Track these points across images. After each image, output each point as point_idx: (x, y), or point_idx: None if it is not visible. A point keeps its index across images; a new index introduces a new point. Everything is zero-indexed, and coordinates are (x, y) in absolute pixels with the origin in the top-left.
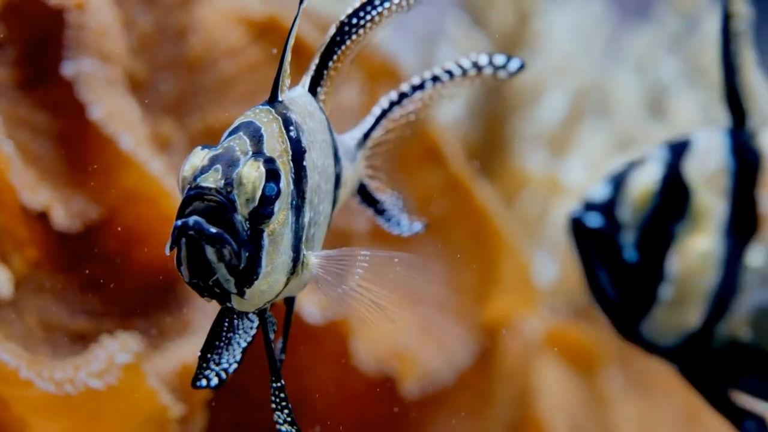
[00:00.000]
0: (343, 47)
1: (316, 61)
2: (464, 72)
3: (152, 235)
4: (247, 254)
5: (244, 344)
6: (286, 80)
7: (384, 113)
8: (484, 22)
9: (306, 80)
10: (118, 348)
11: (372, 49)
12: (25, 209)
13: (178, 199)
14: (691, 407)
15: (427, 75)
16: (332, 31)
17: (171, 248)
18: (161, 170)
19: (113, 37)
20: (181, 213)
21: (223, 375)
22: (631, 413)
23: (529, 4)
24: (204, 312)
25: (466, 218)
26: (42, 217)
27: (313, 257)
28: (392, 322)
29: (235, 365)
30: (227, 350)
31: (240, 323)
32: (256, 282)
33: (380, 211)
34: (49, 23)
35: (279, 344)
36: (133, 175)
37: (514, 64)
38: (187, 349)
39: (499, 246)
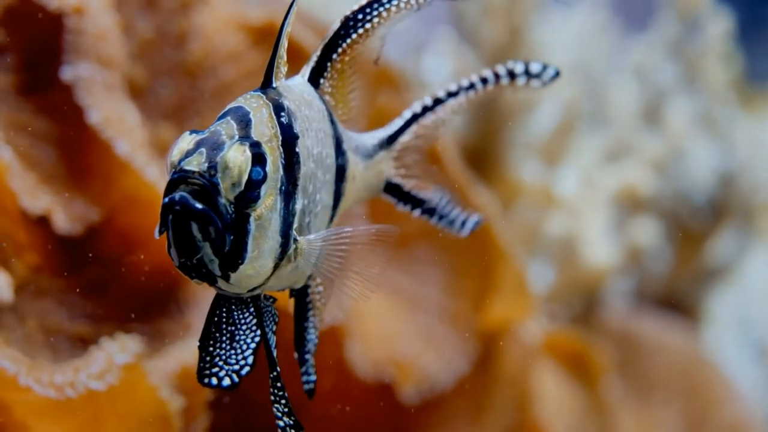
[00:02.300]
0: (348, 41)
1: (318, 52)
2: (498, 80)
3: (151, 239)
4: (231, 238)
5: (253, 344)
6: (281, 68)
7: (415, 117)
8: (475, 37)
9: (306, 70)
10: (117, 349)
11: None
12: (25, 214)
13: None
14: (690, 414)
15: (465, 83)
16: (337, 25)
17: (160, 231)
18: (158, 176)
19: (112, 42)
20: (164, 195)
21: (236, 378)
22: (631, 420)
23: (520, 16)
24: (204, 314)
25: None
26: (42, 222)
27: (304, 242)
28: (372, 298)
29: (248, 368)
30: (232, 346)
31: (242, 317)
32: (241, 266)
33: (430, 211)
34: (48, 28)
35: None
36: (131, 179)
37: (549, 73)
38: (187, 352)
39: (496, 252)
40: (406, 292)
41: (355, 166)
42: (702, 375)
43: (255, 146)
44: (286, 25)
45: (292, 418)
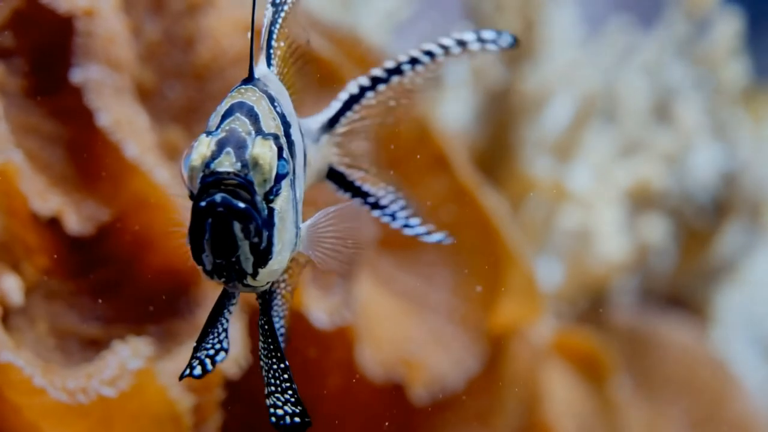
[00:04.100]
0: (278, 25)
1: (264, 42)
2: (447, 51)
3: (161, 240)
4: (267, 234)
5: (226, 324)
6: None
7: (354, 98)
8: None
9: (262, 58)
10: (129, 354)
11: (354, 39)
12: (35, 216)
13: (184, 193)
14: (697, 412)
15: (404, 58)
16: (270, 11)
17: (192, 236)
18: (166, 178)
19: (121, 45)
20: (200, 199)
21: (208, 364)
22: (639, 418)
23: (535, 11)
24: None
25: (472, 226)
26: (52, 224)
27: (304, 229)
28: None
29: (223, 354)
30: (210, 333)
31: (227, 302)
32: (270, 261)
33: (377, 206)
34: (57, 31)
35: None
36: (140, 182)
37: (505, 39)
38: None
39: (505, 253)
40: (415, 293)
41: (310, 150)
42: (709, 373)
43: (276, 139)
44: (254, 14)
45: (299, 407)
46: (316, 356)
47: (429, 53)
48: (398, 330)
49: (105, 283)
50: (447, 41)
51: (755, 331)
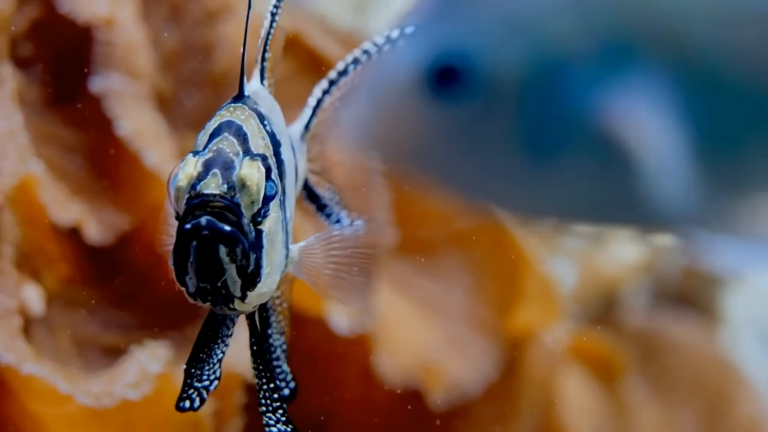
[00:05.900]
0: (270, 36)
1: (260, 55)
2: (380, 49)
3: None
4: (254, 257)
5: (221, 355)
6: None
7: (318, 103)
8: None
9: (256, 73)
10: (149, 358)
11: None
12: (55, 226)
13: (172, 213)
14: (708, 413)
15: (350, 58)
16: (268, 20)
17: (176, 258)
18: None
19: (141, 54)
20: (185, 221)
21: (204, 394)
22: (653, 419)
23: None
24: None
25: (488, 230)
26: (72, 233)
27: (296, 250)
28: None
29: (216, 382)
30: (208, 363)
31: (225, 333)
32: (258, 284)
33: (321, 207)
34: (76, 40)
35: None
36: (160, 190)
37: (409, 30)
38: None
39: (521, 257)
40: (432, 298)
41: (300, 164)
42: (719, 374)
43: (264, 160)
44: (247, 31)
45: (290, 425)
46: (334, 363)
47: (366, 52)
48: (416, 336)
49: (125, 291)
50: (379, 39)
51: (765, 330)
